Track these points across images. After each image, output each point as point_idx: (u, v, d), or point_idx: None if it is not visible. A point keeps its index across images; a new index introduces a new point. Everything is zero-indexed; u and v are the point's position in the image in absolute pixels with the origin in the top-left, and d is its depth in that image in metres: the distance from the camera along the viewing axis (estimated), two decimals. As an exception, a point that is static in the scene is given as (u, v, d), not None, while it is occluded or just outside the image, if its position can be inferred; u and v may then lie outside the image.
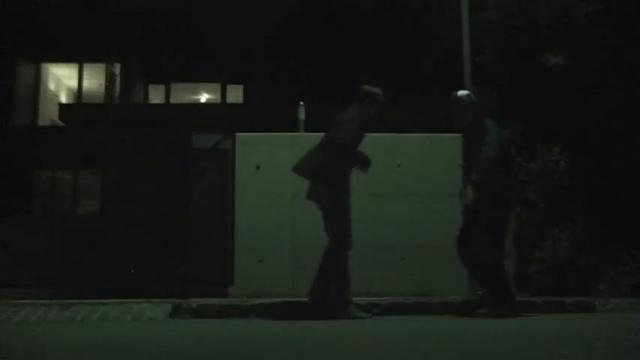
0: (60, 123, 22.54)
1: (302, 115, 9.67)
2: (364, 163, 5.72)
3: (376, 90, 5.92)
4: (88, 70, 24.00)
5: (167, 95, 24.82)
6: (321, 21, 18.21)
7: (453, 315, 5.62)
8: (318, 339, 3.74)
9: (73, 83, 24.35)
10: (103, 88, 23.93)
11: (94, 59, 23.29)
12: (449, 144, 7.47)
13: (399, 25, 15.31)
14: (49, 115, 22.82)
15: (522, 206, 7.93)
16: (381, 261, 7.52)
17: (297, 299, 6.02)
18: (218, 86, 24.72)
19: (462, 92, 5.99)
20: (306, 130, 8.93)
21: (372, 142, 8.16)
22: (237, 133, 7.80)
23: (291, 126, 9.20)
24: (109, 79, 23.97)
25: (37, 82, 22.94)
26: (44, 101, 23.13)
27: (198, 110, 23.30)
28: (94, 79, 24.11)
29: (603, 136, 8.30)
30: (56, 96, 24.25)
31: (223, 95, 24.80)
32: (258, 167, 7.77)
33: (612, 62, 8.35)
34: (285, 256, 7.56)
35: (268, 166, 7.77)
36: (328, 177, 5.60)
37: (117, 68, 24.04)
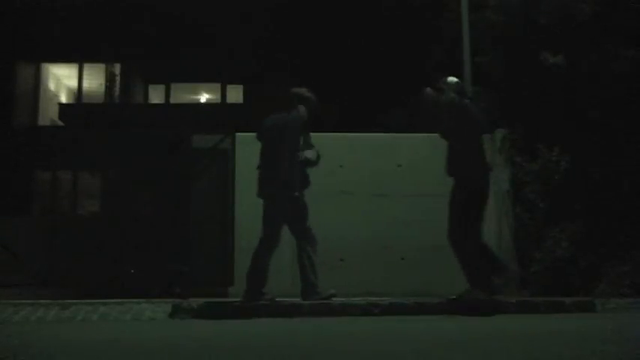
0: (60, 123, 22.54)
1: (302, 115, 9.66)
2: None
3: (304, 91, 6.20)
4: (88, 70, 23.99)
5: (167, 95, 24.81)
6: (321, 21, 18.21)
7: (453, 315, 5.62)
8: (318, 338, 3.74)
9: (73, 83, 24.34)
10: (103, 88, 23.92)
11: (94, 59, 23.27)
12: (449, 144, 7.48)
13: (399, 25, 15.32)
14: (49, 115, 22.82)
15: (522, 206, 7.93)
16: (381, 261, 7.52)
17: (297, 299, 6.02)
18: (218, 86, 24.71)
19: (451, 78, 6.13)
20: (306, 130, 8.92)
21: (373, 143, 8.21)
22: (237, 133, 7.81)
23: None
24: (109, 79, 23.95)
25: (37, 82, 22.93)
26: (44, 101, 23.12)
27: (199, 110, 23.30)
28: (94, 79, 24.09)
29: (603, 135, 8.29)
30: (56, 96, 24.24)
31: (223, 95, 24.80)
32: (258, 167, 7.78)
33: (612, 61, 8.34)
34: (285, 256, 7.55)
35: (268, 166, 7.76)
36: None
37: (117, 68, 24.03)
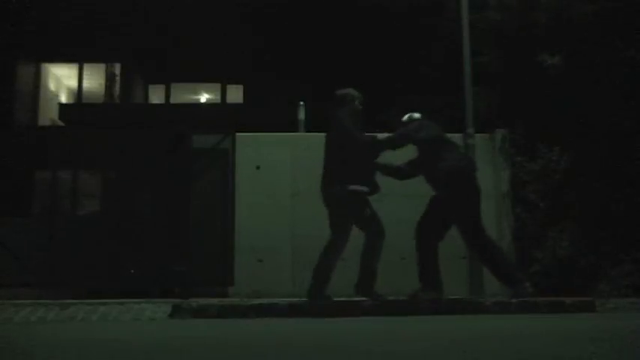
0: (60, 123, 22.53)
1: (302, 115, 9.65)
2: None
3: (350, 90, 6.29)
4: (88, 70, 23.97)
5: (167, 95, 24.80)
6: (322, 21, 18.21)
7: (452, 315, 5.62)
8: (318, 339, 3.74)
9: (73, 83, 24.33)
10: (103, 88, 23.91)
11: (94, 59, 23.27)
12: (449, 144, 7.45)
13: (399, 25, 15.32)
14: (49, 115, 22.81)
15: (522, 206, 7.93)
16: (381, 261, 7.51)
17: (297, 299, 6.02)
18: (218, 86, 24.71)
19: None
20: (306, 130, 8.92)
21: (372, 142, 8.15)
22: (237, 133, 7.80)
23: (291, 126, 9.19)
24: (109, 79, 23.94)
25: (37, 82, 22.92)
26: (44, 101, 23.11)
27: (198, 110, 23.29)
28: (94, 79, 24.09)
29: (603, 135, 8.29)
30: (56, 96, 24.23)
31: (223, 95, 24.79)
32: (258, 167, 7.78)
33: (611, 61, 8.35)
34: (285, 256, 7.56)
35: (268, 166, 7.77)
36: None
37: (117, 68, 24.02)
